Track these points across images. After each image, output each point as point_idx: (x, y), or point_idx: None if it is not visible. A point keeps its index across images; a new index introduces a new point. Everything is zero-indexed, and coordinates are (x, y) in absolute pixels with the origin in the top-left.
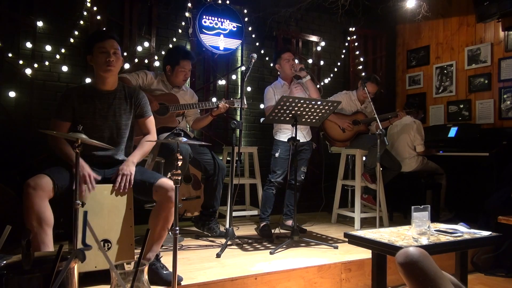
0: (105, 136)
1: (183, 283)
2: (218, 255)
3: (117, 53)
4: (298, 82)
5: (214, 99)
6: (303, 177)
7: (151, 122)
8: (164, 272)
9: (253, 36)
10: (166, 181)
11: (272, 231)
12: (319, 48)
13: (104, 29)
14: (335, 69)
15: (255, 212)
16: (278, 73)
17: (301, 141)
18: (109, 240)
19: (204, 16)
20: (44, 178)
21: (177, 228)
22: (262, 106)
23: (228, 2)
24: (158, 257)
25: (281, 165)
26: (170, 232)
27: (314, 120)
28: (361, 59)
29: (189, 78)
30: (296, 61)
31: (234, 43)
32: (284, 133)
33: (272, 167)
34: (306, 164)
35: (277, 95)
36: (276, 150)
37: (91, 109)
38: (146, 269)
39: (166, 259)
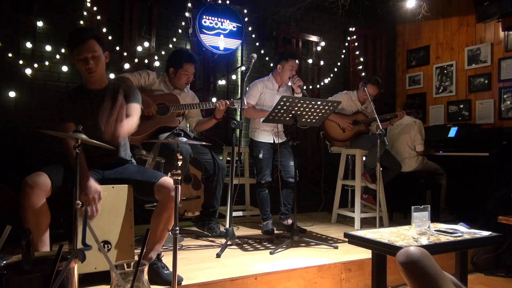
0: (101, 136)
1: (183, 283)
2: (218, 255)
3: (95, 55)
4: (289, 91)
5: (214, 99)
6: (296, 172)
7: (133, 108)
8: (165, 272)
9: (253, 36)
10: (168, 180)
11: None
12: (319, 48)
13: (80, 28)
14: (335, 69)
15: (255, 212)
16: (271, 72)
17: (280, 141)
18: (109, 241)
19: (204, 16)
20: (42, 176)
21: (177, 228)
22: None
23: (228, 2)
24: (160, 257)
25: (267, 165)
26: (170, 232)
27: (314, 120)
28: (361, 59)
29: None
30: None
31: (234, 43)
32: (263, 134)
33: (257, 169)
34: (292, 159)
35: (264, 94)
36: (258, 151)
37: (84, 109)
38: (146, 269)
39: (166, 259)
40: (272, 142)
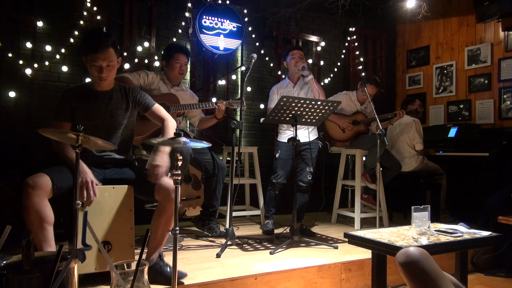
0: (104, 137)
1: (182, 282)
2: (218, 255)
3: (110, 64)
4: (305, 82)
5: (214, 99)
6: (310, 178)
7: (159, 109)
8: (168, 270)
9: (253, 36)
10: (168, 182)
11: (276, 230)
12: (319, 48)
13: (99, 33)
14: (335, 69)
15: (255, 212)
16: (283, 75)
17: (302, 141)
18: (109, 241)
19: (204, 16)
20: (43, 177)
21: (177, 228)
22: (262, 106)
23: (228, 2)
24: (161, 257)
25: (282, 166)
26: (170, 232)
27: (314, 120)
28: (361, 59)
29: (188, 78)
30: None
31: (234, 43)
32: (284, 134)
33: (274, 168)
34: (311, 164)
35: (279, 95)
36: (276, 151)
37: (88, 109)
38: (146, 269)
39: (166, 259)
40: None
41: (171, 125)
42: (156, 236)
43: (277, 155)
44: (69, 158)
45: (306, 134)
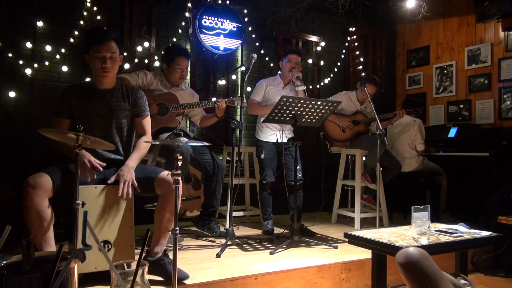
0: (103, 135)
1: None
2: (218, 255)
3: (113, 56)
4: (295, 89)
5: (214, 99)
6: (300, 175)
7: (147, 122)
8: (172, 268)
9: (253, 36)
10: (167, 174)
11: (275, 230)
12: (319, 48)
13: (102, 28)
14: (335, 69)
15: (255, 212)
16: (279, 72)
17: (285, 140)
18: (109, 241)
19: (204, 16)
20: (43, 177)
21: (177, 228)
22: None
23: (228, 2)
24: (166, 252)
25: (269, 165)
26: (170, 232)
27: (314, 120)
28: (361, 59)
29: (188, 78)
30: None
31: (234, 43)
32: (266, 133)
33: (260, 169)
34: (299, 162)
35: (268, 91)
36: (260, 151)
37: (88, 107)
38: (146, 269)
39: None
40: (276, 141)
41: (145, 145)
42: (160, 228)
43: (262, 156)
44: (68, 146)
45: (286, 134)
